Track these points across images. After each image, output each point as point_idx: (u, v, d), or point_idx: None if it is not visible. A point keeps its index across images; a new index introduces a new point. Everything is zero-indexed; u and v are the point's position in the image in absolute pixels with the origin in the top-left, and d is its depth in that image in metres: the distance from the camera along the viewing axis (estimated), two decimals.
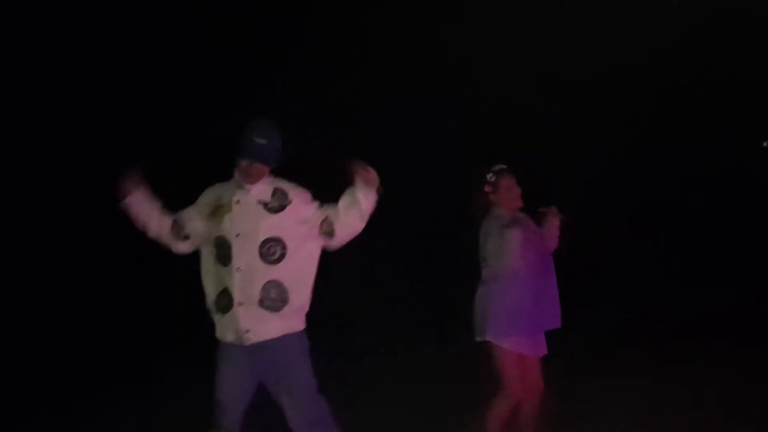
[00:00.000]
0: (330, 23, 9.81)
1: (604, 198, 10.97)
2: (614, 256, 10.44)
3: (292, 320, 3.92)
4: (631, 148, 11.38)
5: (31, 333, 8.01)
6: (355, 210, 3.99)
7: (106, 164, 9.10)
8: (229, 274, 3.86)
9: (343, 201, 4.02)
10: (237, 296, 3.84)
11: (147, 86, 9.19)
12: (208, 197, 4.01)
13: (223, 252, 3.88)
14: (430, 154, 10.15)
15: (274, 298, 3.85)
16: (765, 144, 13.71)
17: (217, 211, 3.91)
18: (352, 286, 8.89)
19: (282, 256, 3.87)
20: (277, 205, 3.91)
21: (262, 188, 3.92)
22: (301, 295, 3.93)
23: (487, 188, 4.84)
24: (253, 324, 3.84)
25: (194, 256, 4.07)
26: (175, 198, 4.09)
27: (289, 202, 3.93)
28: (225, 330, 3.90)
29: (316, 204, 4.00)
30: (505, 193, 4.82)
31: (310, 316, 4.09)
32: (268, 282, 3.85)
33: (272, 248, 3.86)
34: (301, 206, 3.95)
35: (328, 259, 4.09)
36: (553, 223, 4.86)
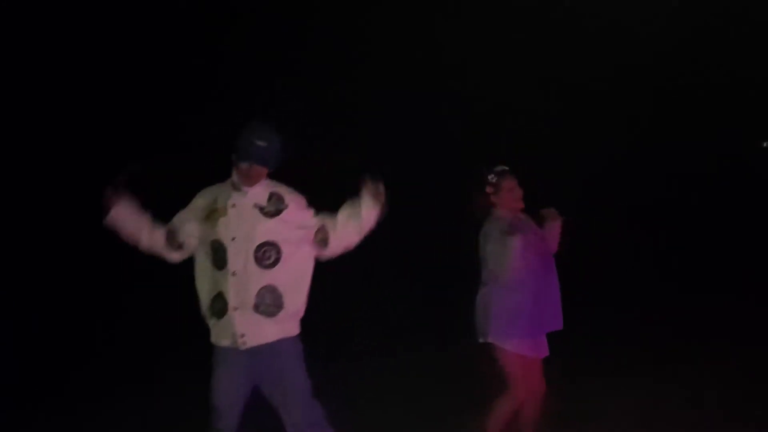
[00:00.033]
0: (330, 23, 9.81)
1: (604, 198, 10.97)
2: (614, 256, 10.44)
3: (287, 325, 3.92)
4: (631, 148, 11.38)
5: (31, 333, 8.01)
6: (355, 223, 4.00)
7: (107, 164, 9.14)
8: (224, 278, 3.84)
9: (344, 212, 4.02)
10: (232, 301, 3.83)
11: (147, 86, 9.18)
12: (202, 200, 3.97)
13: (218, 256, 3.86)
14: (430, 154, 10.15)
15: (269, 304, 3.85)
16: (765, 144, 13.71)
17: (212, 215, 3.89)
18: (352, 286, 8.90)
19: (277, 261, 3.86)
20: (274, 209, 3.90)
21: (259, 192, 3.91)
22: (296, 300, 3.93)
23: (488, 189, 4.84)
24: (248, 328, 3.83)
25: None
26: (175, 198, 4.08)
27: (286, 207, 3.92)
28: (220, 334, 3.89)
29: (312, 210, 4.00)
30: (507, 194, 4.82)
31: (310, 317, 4.09)
32: (264, 287, 3.84)
33: (267, 252, 3.85)
34: (297, 211, 3.95)
35: (328, 259, 4.09)
36: (554, 226, 4.86)
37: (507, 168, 4.88)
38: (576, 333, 4.94)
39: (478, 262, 4.83)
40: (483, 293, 4.82)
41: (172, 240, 3.96)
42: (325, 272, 4.14)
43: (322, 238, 3.97)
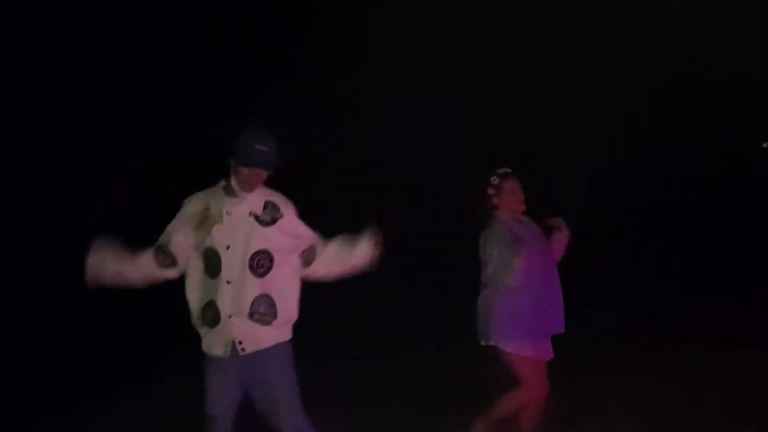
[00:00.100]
0: (330, 23, 9.81)
1: (604, 198, 10.97)
2: (614, 256, 10.44)
3: (281, 330, 3.93)
4: (631, 148, 11.38)
5: (31, 333, 8.01)
6: (344, 258, 4.02)
7: (107, 164, 9.14)
8: (217, 286, 3.82)
9: (338, 244, 4.04)
10: (226, 309, 3.81)
11: (147, 86, 9.18)
12: (192, 207, 3.92)
13: (211, 264, 3.84)
14: (430, 154, 10.15)
15: (263, 312, 3.85)
16: (765, 145, 13.71)
17: (206, 222, 3.85)
18: (352, 286, 8.90)
19: (269, 269, 3.86)
20: (269, 218, 3.90)
21: (254, 199, 3.89)
22: (288, 308, 3.94)
23: (490, 191, 4.84)
24: (245, 335, 3.83)
25: None
26: (175, 198, 4.07)
27: (281, 216, 3.92)
28: (212, 343, 3.87)
29: (301, 222, 4.00)
30: (509, 196, 4.82)
31: (310, 317, 4.09)
32: (258, 296, 3.84)
33: (261, 261, 3.85)
34: (292, 221, 3.96)
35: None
36: (562, 237, 4.85)
37: (510, 170, 4.88)
38: (576, 333, 4.94)
39: (479, 263, 4.83)
40: (484, 295, 4.83)
41: (162, 258, 3.89)
42: None
43: (308, 257, 3.98)
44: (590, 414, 5.63)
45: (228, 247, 3.82)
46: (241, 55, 9.60)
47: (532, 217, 4.95)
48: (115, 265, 3.91)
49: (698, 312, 8.90)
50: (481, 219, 4.86)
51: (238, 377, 3.88)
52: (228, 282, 3.81)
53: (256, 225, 3.87)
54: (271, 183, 3.97)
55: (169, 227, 3.94)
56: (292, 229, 3.94)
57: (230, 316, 3.82)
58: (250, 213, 3.87)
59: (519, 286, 4.64)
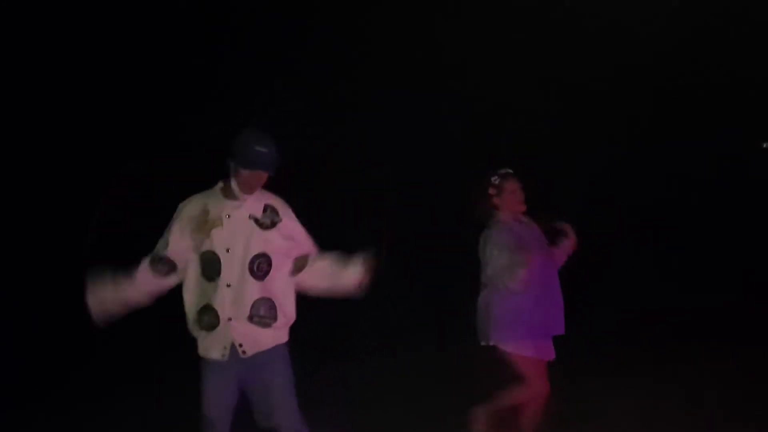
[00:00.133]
0: (330, 23, 9.81)
1: (604, 198, 10.97)
2: (614, 256, 10.44)
3: (279, 332, 3.93)
4: (631, 148, 11.37)
5: (31, 333, 8.01)
6: (335, 275, 4.01)
7: (107, 164, 9.14)
8: (215, 289, 3.81)
9: (333, 259, 4.03)
10: (226, 312, 3.81)
11: (147, 86, 9.18)
12: (191, 211, 3.89)
13: (210, 267, 3.82)
14: (430, 154, 10.15)
15: (263, 315, 3.85)
16: (765, 145, 13.71)
17: (204, 225, 3.84)
18: None
19: (267, 272, 3.87)
20: (269, 222, 3.90)
21: (254, 202, 3.89)
22: (287, 310, 3.95)
23: (491, 191, 4.84)
24: (244, 338, 3.83)
25: None
26: (175, 198, 4.07)
27: (280, 220, 3.92)
28: (210, 347, 3.85)
29: (300, 227, 4.00)
30: (509, 196, 4.82)
31: (311, 318, 4.09)
32: (258, 299, 3.84)
33: (261, 264, 3.85)
34: (291, 224, 3.97)
35: None
36: (567, 243, 4.84)
37: (511, 171, 4.88)
38: (576, 333, 4.94)
39: (479, 263, 4.83)
40: (484, 295, 4.83)
41: (160, 267, 3.86)
42: None
43: (300, 264, 3.98)
44: (590, 414, 5.63)
45: (228, 250, 3.81)
46: (241, 55, 9.60)
47: (533, 217, 4.95)
48: (116, 297, 3.89)
49: (698, 312, 8.90)
50: (482, 219, 4.86)
51: (236, 379, 3.88)
52: (228, 285, 3.81)
53: (256, 228, 3.87)
54: (271, 184, 3.97)
55: (166, 233, 3.91)
56: (290, 233, 3.95)
57: (229, 319, 3.81)
58: (249, 216, 3.87)
59: (519, 288, 4.65)
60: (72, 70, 9.08)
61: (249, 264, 3.83)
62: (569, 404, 5.52)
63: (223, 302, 3.81)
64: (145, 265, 3.89)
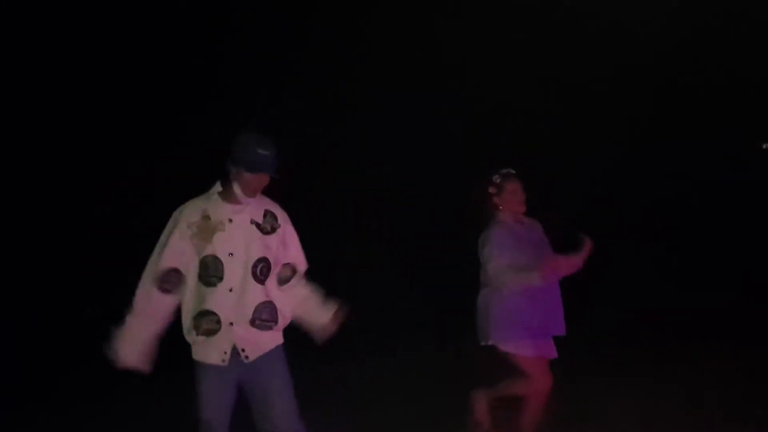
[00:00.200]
0: (330, 23, 9.82)
1: (604, 198, 10.98)
2: (614, 256, 10.43)
3: (278, 334, 3.94)
4: (631, 148, 11.38)
5: (31, 333, 8.01)
6: (307, 309, 4.03)
7: (107, 164, 9.14)
8: (215, 294, 3.79)
9: (313, 294, 4.07)
10: (228, 316, 3.79)
11: (147, 86, 9.19)
12: (190, 217, 3.84)
13: (211, 272, 3.79)
14: (430, 154, 10.16)
15: (265, 319, 3.85)
16: (765, 146, 13.71)
17: (206, 230, 3.81)
18: (352, 285, 8.89)
19: (267, 276, 3.88)
20: (269, 227, 3.90)
21: (255, 207, 3.89)
22: (286, 312, 3.95)
23: (491, 189, 4.84)
24: (246, 342, 3.82)
25: None
26: (175, 198, 4.06)
27: (279, 226, 3.93)
28: (209, 352, 3.83)
29: (297, 237, 4.02)
30: (509, 196, 4.81)
31: None
32: (261, 303, 3.84)
33: (263, 268, 3.85)
34: (289, 231, 3.98)
35: (328, 259, 4.09)
36: (577, 258, 4.77)
37: (513, 171, 4.87)
38: (576, 333, 4.94)
39: (479, 263, 4.83)
40: (483, 295, 4.83)
41: (171, 285, 3.79)
42: (325, 272, 4.14)
43: (285, 274, 3.97)
44: (590, 414, 5.63)
45: (231, 255, 3.81)
46: (241, 55, 9.61)
47: (543, 216, 4.95)
48: (143, 339, 3.90)
49: (698, 312, 8.89)
50: (483, 218, 4.86)
51: (235, 381, 3.87)
52: (230, 290, 3.80)
53: (257, 233, 3.87)
54: (271, 184, 3.97)
55: (164, 244, 3.83)
56: (286, 239, 3.96)
57: (231, 324, 3.80)
58: (251, 221, 3.86)
59: (519, 289, 4.65)
60: (72, 70, 9.08)
61: (252, 268, 3.83)
62: (569, 404, 5.52)
63: (225, 307, 3.80)
64: (154, 294, 3.82)
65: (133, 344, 3.91)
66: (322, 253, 4.05)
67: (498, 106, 10.17)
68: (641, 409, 5.72)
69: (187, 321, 3.86)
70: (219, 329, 3.79)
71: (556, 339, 4.85)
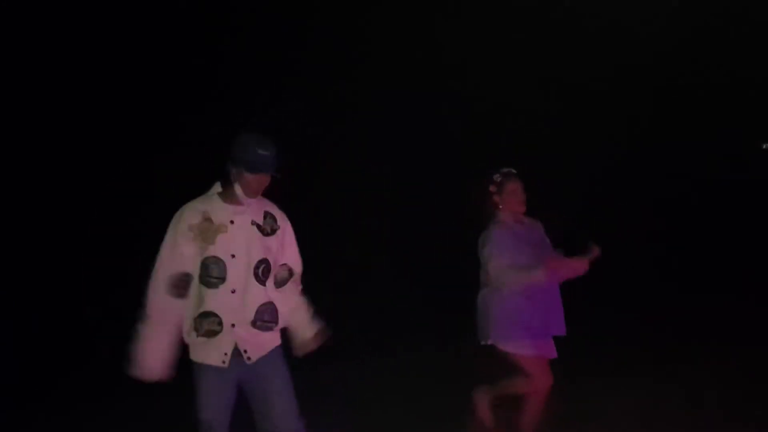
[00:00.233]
0: (330, 23, 9.81)
1: (604, 198, 10.97)
2: (614, 256, 10.42)
3: (276, 334, 3.96)
4: (631, 148, 11.38)
5: (31, 333, 8.01)
6: (294, 320, 4.00)
7: (107, 164, 9.14)
8: (216, 295, 3.78)
9: (304, 306, 4.06)
10: (229, 318, 3.79)
11: (147, 86, 9.18)
12: (190, 218, 3.82)
13: (213, 273, 3.79)
14: (430, 154, 10.16)
15: (266, 320, 3.86)
16: (765, 146, 13.71)
17: (209, 232, 3.80)
18: (352, 285, 8.90)
19: (268, 277, 3.89)
20: (269, 228, 3.92)
21: (255, 208, 3.89)
22: (285, 312, 3.97)
23: (492, 188, 4.84)
24: (248, 343, 3.83)
25: None
26: (175, 198, 4.06)
27: (279, 228, 3.94)
28: (209, 353, 3.82)
29: (295, 240, 4.03)
30: (509, 196, 4.82)
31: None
32: (263, 304, 3.85)
33: (265, 269, 3.86)
34: (287, 234, 3.99)
35: (328, 259, 4.09)
36: (581, 262, 4.76)
37: (515, 171, 4.88)
38: (576, 333, 4.94)
39: (479, 263, 4.83)
40: (483, 295, 4.83)
41: (180, 287, 3.77)
42: (325, 272, 4.14)
43: (282, 276, 3.97)
44: (590, 414, 5.63)
45: (233, 256, 3.80)
46: (241, 55, 9.60)
47: (534, 216, 4.95)
48: (166, 348, 3.88)
49: (698, 312, 8.90)
50: (483, 218, 4.86)
51: (235, 381, 3.87)
52: (232, 291, 3.80)
53: (258, 234, 3.87)
54: (271, 184, 3.96)
55: (169, 249, 3.81)
56: (285, 241, 3.97)
57: (233, 325, 3.80)
58: (252, 222, 3.87)
59: (519, 289, 4.65)
60: (72, 70, 9.08)
61: (254, 269, 3.83)
62: (569, 404, 5.52)
63: (227, 308, 3.80)
64: (164, 300, 3.80)
65: (158, 355, 3.89)
66: (322, 253, 4.05)
67: (498, 106, 10.17)
68: (641, 409, 5.72)
69: (187, 322, 3.85)
70: (220, 331, 3.79)
71: (556, 339, 4.86)
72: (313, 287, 4.08)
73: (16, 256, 8.54)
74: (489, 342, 4.76)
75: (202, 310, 3.80)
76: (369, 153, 9.86)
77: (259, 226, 3.88)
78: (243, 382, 3.89)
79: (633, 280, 10.11)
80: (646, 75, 11.42)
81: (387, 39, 9.70)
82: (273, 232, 3.92)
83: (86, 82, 9.11)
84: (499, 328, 4.72)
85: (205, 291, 3.80)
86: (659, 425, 5.47)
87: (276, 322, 3.89)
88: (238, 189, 3.84)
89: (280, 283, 3.96)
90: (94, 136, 9.08)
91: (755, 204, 11.80)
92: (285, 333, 4.02)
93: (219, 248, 3.80)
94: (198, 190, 4.03)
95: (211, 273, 3.79)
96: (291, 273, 4.01)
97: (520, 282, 4.64)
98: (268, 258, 3.88)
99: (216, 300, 3.79)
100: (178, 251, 3.80)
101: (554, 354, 4.83)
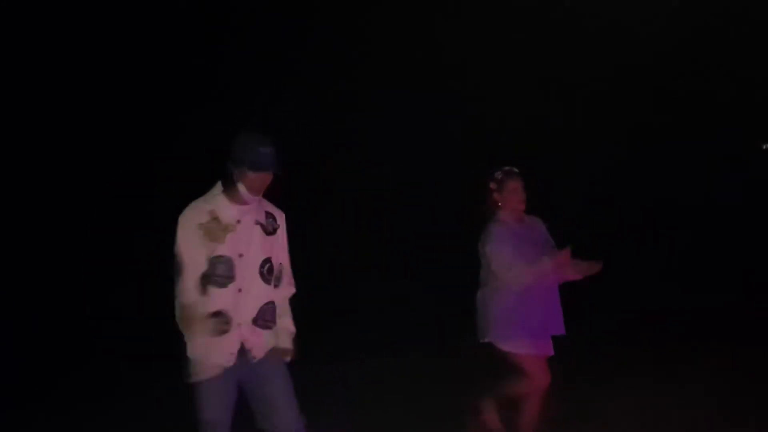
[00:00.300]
0: (330, 23, 9.82)
1: (604, 198, 10.98)
2: (614, 256, 10.43)
3: (275, 333, 3.96)
4: (631, 149, 11.39)
5: (31, 333, 8.01)
6: (279, 322, 3.98)
7: (107, 164, 9.14)
8: (225, 294, 3.78)
9: (287, 310, 4.03)
10: (236, 317, 3.79)
11: (147, 86, 9.19)
12: (198, 218, 3.81)
13: (222, 272, 3.78)
14: (430, 154, 10.16)
15: (267, 319, 3.88)
16: (765, 146, 13.72)
17: (217, 231, 3.80)
18: (352, 286, 8.90)
19: (271, 276, 3.90)
20: (271, 228, 3.93)
21: (257, 208, 3.90)
22: (280, 312, 3.98)
23: (492, 185, 4.85)
24: (252, 342, 3.83)
25: None
26: (175, 198, 4.06)
27: (278, 227, 3.96)
28: (214, 352, 3.82)
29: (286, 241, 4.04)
30: (509, 194, 4.82)
31: (311, 318, 4.09)
32: (266, 303, 3.87)
33: (269, 268, 3.88)
34: (284, 233, 4.00)
35: (328, 259, 4.09)
36: (580, 266, 4.76)
37: (516, 170, 4.88)
38: (576, 333, 4.94)
39: (479, 263, 4.83)
40: (482, 294, 4.84)
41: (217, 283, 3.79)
42: (326, 272, 4.14)
43: (278, 276, 3.97)
44: (590, 414, 5.63)
45: (240, 256, 3.81)
46: (241, 55, 9.61)
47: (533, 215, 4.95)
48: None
49: (698, 312, 8.89)
50: (484, 217, 4.86)
51: (236, 380, 3.88)
52: (239, 290, 3.81)
53: (262, 233, 3.88)
54: (273, 183, 3.96)
55: (183, 248, 3.80)
56: (282, 241, 3.98)
57: (239, 325, 3.82)
58: (255, 221, 3.88)
59: (519, 288, 4.66)
60: (72, 70, 9.08)
61: (259, 268, 3.85)
62: (569, 404, 5.52)
63: (235, 307, 3.81)
64: (196, 294, 3.79)
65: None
66: (323, 253, 4.05)
67: (498, 106, 10.17)
68: (641, 409, 5.72)
69: (193, 322, 3.84)
70: (229, 330, 3.79)
71: (556, 340, 4.85)
72: (313, 287, 4.08)
73: (16, 256, 8.55)
74: (488, 340, 4.77)
75: (211, 309, 3.80)
76: (369, 153, 9.87)
77: (262, 226, 3.89)
78: (243, 382, 3.89)
79: (633, 280, 10.11)
80: (646, 75, 11.43)
81: (387, 39, 9.70)
82: (274, 231, 3.94)
83: (86, 83, 9.12)
84: (497, 327, 4.72)
85: (214, 290, 3.80)
86: (659, 425, 5.47)
87: (274, 321, 3.91)
88: (241, 188, 3.84)
89: (276, 282, 3.97)
90: (94, 136, 9.09)
91: (755, 204, 11.80)
92: (297, 331, 4.02)
93: (227, 247, 3.80)
94: (198, 190, 4.02)
95: (221, 272, 3.79)
96: (282, 272, 4.01)
97: (525, 277, 4.64)
98: (271, 257, 3.89)
99: (224, 299, 3.80)
100: (199, 250, 3.79)
101: (551, 352, 4.83)
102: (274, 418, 3.87)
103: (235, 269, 3.79)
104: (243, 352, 3.83)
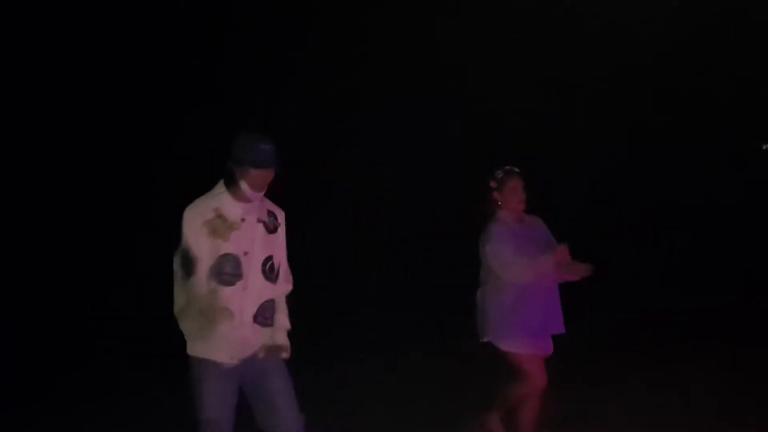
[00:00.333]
0: (330, 23, 9.83)
1: (604, 198, 10.98)
2: (614, 256, 10.45)
3: (273, 331, 3.97)
4: (631, 149, 11.39)
5: (31, 333, 8.01)
6: (277, 315, 3.98)
7: (107, 164, 9.14)
8: (231, 292, 3.78)
9: (285, 316, 4.02)
10: (241, 315, 3.80)
11: (148, 86, 9.19)
12: (204, 214, 3.82)
13: (228, 270, 3.78)
14: (430, 154, 10.16)
15: (266, 317, 3.88)
16: (765, 147, 13.73)
17: (222, 229, 3.80)
18: (352, 286, 8.90)
19: (273, 274, 3.91)
20: (272, 226, 3.94)
21: (259, 206, 3.91)
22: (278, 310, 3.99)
23: (492, 184, 4.85)
24: (256, 341, 3.85)
25: None
26: (175, 198, 4.06)
27: (279, 225, 3.97)
28: (219, 350, 3.81)
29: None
30: (509, 194, 4.82)
31: (311, 318, 4.09)
32: (267, 301, 3.87)
33: (271, 266, 3.89)
34: (283, 228, 4.01)
35: (328, 259, 4.09)
36: (580, 267, 4.77)
37: (517, 169, 4.88)
38: (576, 334, 4.94)
39: (479, 262, 4.83)
40: (481, 293, 4.84)
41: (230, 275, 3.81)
42: (326, 272, 4.15)
43: (277, 274, 3.98)
44: (590, 414, 5.63)
45: (246, 253, 3.82)
46: (241, 55, 9.61)
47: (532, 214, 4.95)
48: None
49: (698, 312, 8.90)
50: (484, 216, 4.87)
51: (238, 379, 3.88)
52: (244, 288, 3.82)
53: (264, 231, 3.89)
54: (273, 182, 3.97)
55: (192, 246, 3.79)
56: (281, 239, 3.99)
57: (243, 323, 3.82)
58: (258, 219, 3.89)
59: (518, 287, 4.66)
60: (72, 70, 9.08)
61: (262, 266, 3.85)
62: (569, 404, 5.53)
63: (240, 305, 3.81)
64: (209, 286, 3.78)
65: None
66: (323, 253, 4.05)
67: (498, 106, 10.17)
68: (641, 409, 5.72)
69: (198, 319, 3.84)
70: (234, 327, 3.80)
71: (556, 339, 4.85)
72: (313, 287, 4.08)
73: (16, 256, 8.55)
74: (487, 340, 4.77)
75: (218, 306, 3.81)
76: (369, 153, 9.87)
77: (264, 224, 3.90)
78: (243, 382, 3.89)
79: (633, 280, 10.12)
80: (646, 75, 11.43)
81: (387, 39, 9.71)
82: (275, 229, 3.95)
83: (86, 83, 9.12)
84: (497, 326, 4.72)
85: (220, 288, 3.80)
86: (659, 425, 5.47)
87: (272, 319, 3.92)
88: (244, 186, 3.84)
89: (275, 280, 3.98)
90: (94, 136, 9.09)
91: (755, 204, 11.80)
92: (297, 331, 4.03)
93: (233, 245, 3.80)
94: (198, 190, 4.02)
95: (228, 270, 3.79)
96: (280, 267, 4.01)
97: (527, 274, 4.63)
98: (273, 255, 3.90)
99: (231, 297, 3.80)
100: (208, 247, 3.79)
101: (550, 350, 4.83)
102: (274, 418, 3.87)
103: (242, 267, 3.80)
104: (243, 350, 3.83)
